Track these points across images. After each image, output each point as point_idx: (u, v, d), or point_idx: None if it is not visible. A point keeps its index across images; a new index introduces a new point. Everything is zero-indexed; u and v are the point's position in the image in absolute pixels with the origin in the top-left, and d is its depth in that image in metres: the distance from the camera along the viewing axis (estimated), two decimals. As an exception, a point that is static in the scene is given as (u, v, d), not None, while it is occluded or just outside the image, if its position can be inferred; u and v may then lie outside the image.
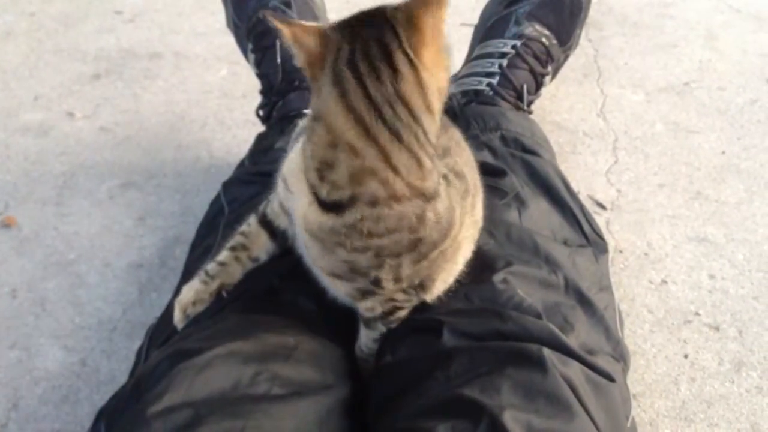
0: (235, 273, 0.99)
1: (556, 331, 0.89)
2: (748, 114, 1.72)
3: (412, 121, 0.72)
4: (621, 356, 1.00)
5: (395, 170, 0.73)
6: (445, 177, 0.82)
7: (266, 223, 0.99)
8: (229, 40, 1.67)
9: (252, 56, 1.46)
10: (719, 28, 2.01)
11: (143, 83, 1.87)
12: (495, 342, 0.88)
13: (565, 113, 1.72)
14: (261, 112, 1.46)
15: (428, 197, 0.77)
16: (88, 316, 1.30)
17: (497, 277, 0.99)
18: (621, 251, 1.37)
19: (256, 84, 1.78)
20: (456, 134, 0.99)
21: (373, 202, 0.74)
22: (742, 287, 1.32)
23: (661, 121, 1.70)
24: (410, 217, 0.76)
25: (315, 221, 0.79)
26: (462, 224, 0.86)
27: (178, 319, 1.00)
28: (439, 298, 0.94)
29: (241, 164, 1.39)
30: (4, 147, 1.68)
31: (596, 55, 1.90)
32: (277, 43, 1.41)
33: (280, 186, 0.91)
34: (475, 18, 1.95)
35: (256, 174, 1.27)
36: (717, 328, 1.25)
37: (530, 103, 1.41)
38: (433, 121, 0.74)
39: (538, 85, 1.43)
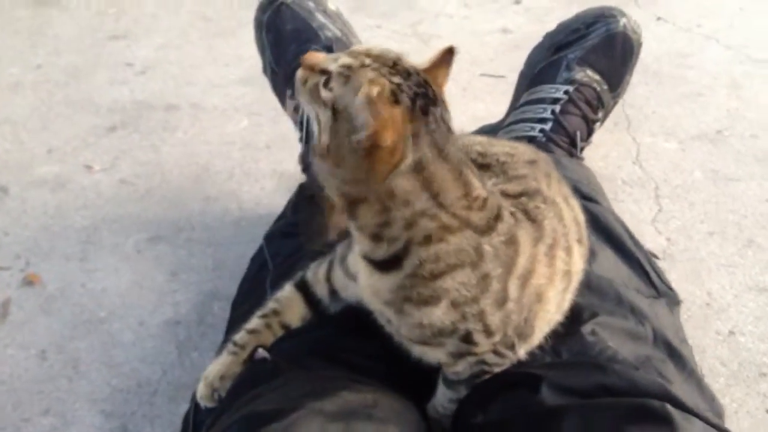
0: (266, 341, 0.95)
1: (667, 386, 0.83)
2: (785, 161, 1.70)
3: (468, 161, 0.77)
4: (718, 414, 0.94)
5: (441, 205, 0.72)
6: (513, 214, 0.79)
7: (304, 289, 0.97)
8: (248, 91, 1.62)
9: (290, 102, 1.40)
10: (742, 78, 2.00)
11: (162, 135, 1.80)
12: (606, 399, 0.81)
13: (600, 161, 1.69)
14: (301, 160, 1.40)
15: (480, 230, 0.75)
16: (125, 377, 1.21)
17: (585, 329, 0.94)
18: (682, 301, 1.31)
19: (279, 135, 1.74)
20: (565, 190, 0.95)
21: (427, 239, 0.73)
22: (812, 337, 1.27)
23: (699, 168, 1.67)
24: (467, 249, 0.74)
25: (381, 287, 0.79)
26: (535, 271, 0.80)
27: (203, 395, 0.94)
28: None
29: (282, 215, 1.32)
30: (20, 201, 1.59)
31: (623, 104, 1.88)
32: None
33: (338, 271, 0.92)
34: (494, 69, 1.93)
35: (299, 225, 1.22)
36: (794, 381, 1.20)
37: (582, 149, 1.37)
38: None
39: (590, 132, 1.39)
